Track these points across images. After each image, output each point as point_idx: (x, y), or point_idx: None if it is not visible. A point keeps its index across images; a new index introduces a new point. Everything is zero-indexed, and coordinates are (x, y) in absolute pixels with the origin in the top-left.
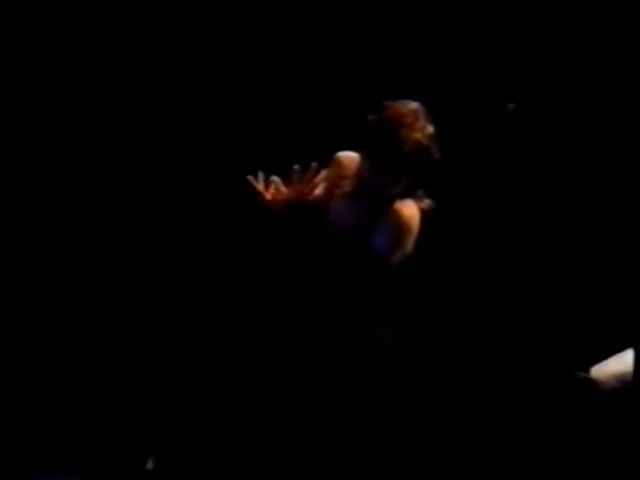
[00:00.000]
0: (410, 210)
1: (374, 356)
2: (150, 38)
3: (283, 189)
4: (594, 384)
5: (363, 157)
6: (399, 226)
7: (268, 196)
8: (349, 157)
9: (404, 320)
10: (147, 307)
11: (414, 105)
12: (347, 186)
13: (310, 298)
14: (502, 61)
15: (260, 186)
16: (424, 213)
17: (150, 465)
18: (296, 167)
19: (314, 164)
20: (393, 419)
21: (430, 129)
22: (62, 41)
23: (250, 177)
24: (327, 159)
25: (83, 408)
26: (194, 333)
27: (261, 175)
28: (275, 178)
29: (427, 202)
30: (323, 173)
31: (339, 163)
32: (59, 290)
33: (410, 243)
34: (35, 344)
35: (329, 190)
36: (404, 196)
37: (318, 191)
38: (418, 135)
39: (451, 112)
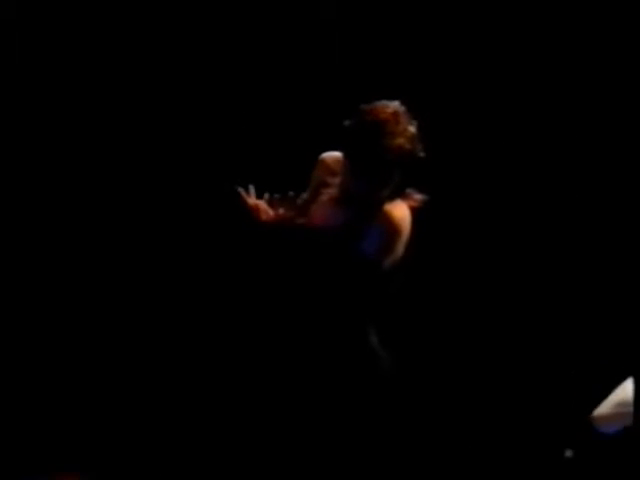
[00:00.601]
0: (400, 212)
1: (365, 360)
2: (150, 37)
3: (270, 212)
4: (596, 422)
5: (345, 164)
6: (390, 229)
7: (257, 209)
8: (334, 157)
9: (396, 323)
10: (143, 310)
11: (393, 107)
12: (333, 189)
13: (300, 303)
14: (503, 61)
15: (251, 200)
16: (415, 211)
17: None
18: (276, 196)
19: (291, 193)
20: (384, 423)
21: (412, 130)
22: (62, 41)
23: (241, 190)
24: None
25: (83, 409)
26: (188, 336)
27: (252, 189)
28: (261, 202)
29: (417, 197)
30: (303, 196)
31: (325, 164)
32: (58, 292)
33: (401, 246)
34: (35, 345)
35: (317, 192)
36: (392, 197)
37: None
38: (400, 140)
39: (450, 110)
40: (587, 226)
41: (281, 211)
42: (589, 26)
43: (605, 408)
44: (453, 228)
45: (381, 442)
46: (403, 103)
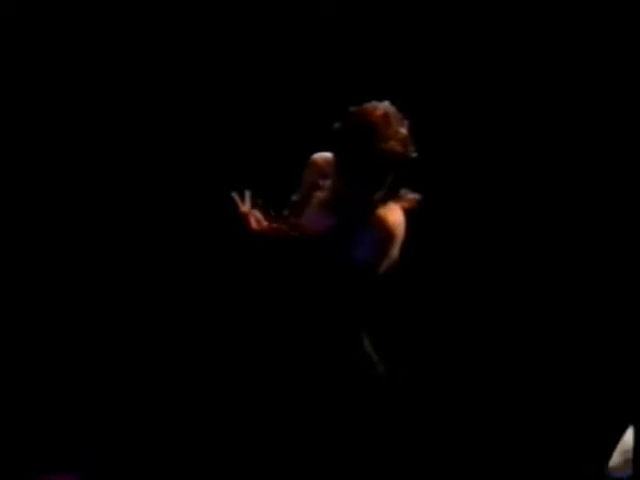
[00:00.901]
0: (394, 216)
1: (358, 366)
2: (150, 34)
3: (263, 222)
4: (610, 471)
5: (336, 167)
6: (384, 234)
7: (248, 217)
8: (325, 158)
9: (392, 327)
10: (139, 311)
11: (383, 108)
12: (324, 192)
13: (293, 308)
14: (498, 62)
15: (244, 207)
16: (409, 212)
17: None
18: (271, 213)
19: (285, 212)
20: (378, 428)
21: (403, 131)
22: (62, 39)
23: (235, 195)
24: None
25: (82, 409)
26: (183, 339)
27: (248, 195)
28: (254, 211)
29: (411, 198)
30: (294, 198)
31: (315, 165)
32: (56, 292)
33: (396, 250)
34: (36, 345)
35: (308, 195)
36: (386, 199)
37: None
38: (392, 143)
39: (450, 109)
40: (586, 230)
41: (274, 225)
42: (587, 26)
43: (616, 456)
44: (449, 229)
45: (376, 446)
46: (401, 102)
